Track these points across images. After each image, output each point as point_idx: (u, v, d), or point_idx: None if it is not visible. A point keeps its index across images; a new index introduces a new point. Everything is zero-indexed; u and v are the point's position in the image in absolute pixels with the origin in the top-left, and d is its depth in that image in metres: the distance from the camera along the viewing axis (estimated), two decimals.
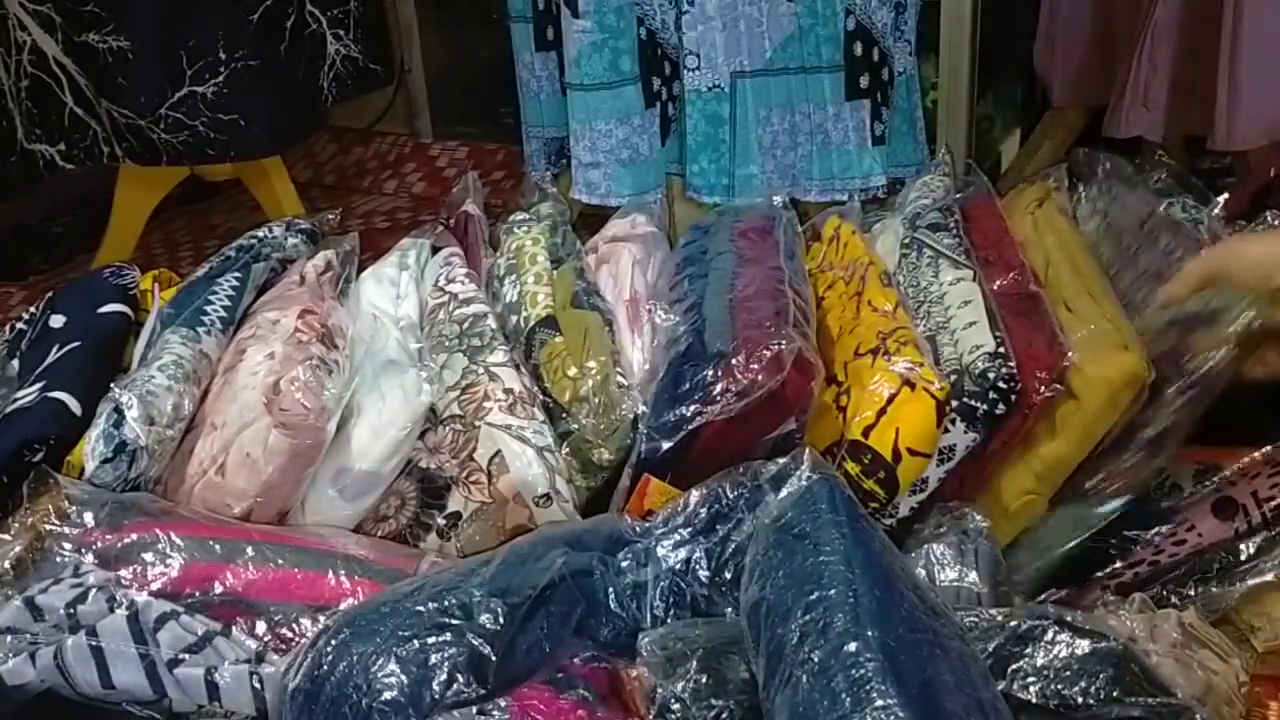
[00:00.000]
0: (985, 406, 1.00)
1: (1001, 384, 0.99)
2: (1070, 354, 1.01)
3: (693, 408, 1.00)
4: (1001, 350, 1.01)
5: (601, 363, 1.09)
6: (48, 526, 0.95)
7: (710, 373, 1.01)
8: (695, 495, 0.94)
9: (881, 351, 1.03)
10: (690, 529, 0.93)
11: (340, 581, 0.94)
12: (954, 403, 1.00)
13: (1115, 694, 0.80)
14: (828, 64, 1.55)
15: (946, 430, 1.01)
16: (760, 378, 0.99)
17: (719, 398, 1.00)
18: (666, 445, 1.01)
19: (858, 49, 1.53)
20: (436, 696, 0.78)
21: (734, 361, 1.00)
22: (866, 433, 1.00)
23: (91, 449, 0.99)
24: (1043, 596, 1.05)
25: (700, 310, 1.12)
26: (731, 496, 0.93)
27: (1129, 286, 1.13)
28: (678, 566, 0.91)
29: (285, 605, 0.92)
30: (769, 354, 0.99)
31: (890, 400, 0.99)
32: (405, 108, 2.29)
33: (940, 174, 1.36)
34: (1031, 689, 0.81)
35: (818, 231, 1.35)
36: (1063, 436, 1.01)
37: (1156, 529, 1.06)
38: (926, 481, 1.03)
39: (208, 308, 1.13)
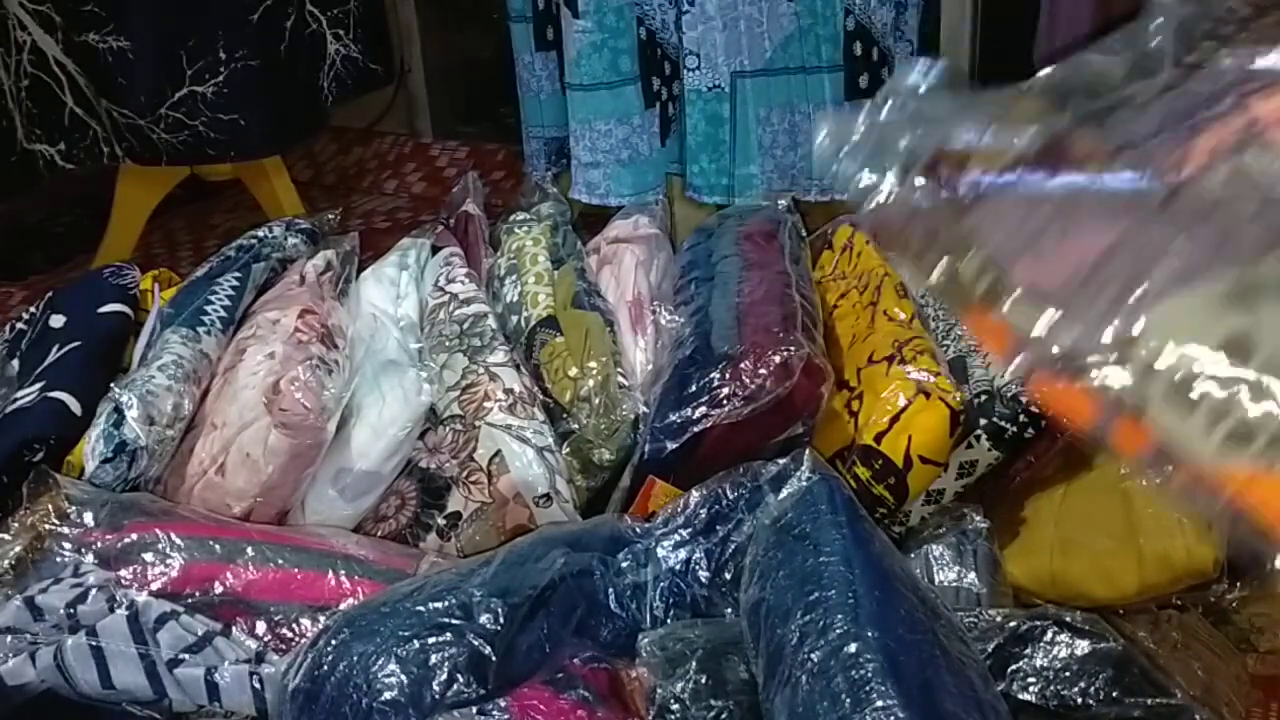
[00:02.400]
0: (1014, 429, 1.00)
1: (1034, 408, 0.99)
2: None
3: (699, 410, 1.00)
4: None
5: (602, 363, 1.09)
6: (48, 526, 0.95)
7: (717, 376, 1.01)
8: (695, 496, 0.94)
9: (897, 359, 1.03)
10: (690, 529, 0.92)
11: (340, 581, 0.94)
12: (982, 421, 1.01)
13: (1115, 694, 0.80)
14: (828, 64, 1.55)
15: (970, 446, 1.01)
16: (769, 383, 0.99)
17: (725, 401, 1.00)
18: (671, 446, 1.01)
19: (858, 49, 1.53)
20: (436, 696, 0.78)
21: (742, 366, 1.00)
22: (879, 439, 1.00)
23: (91, 449, 0.99)
24: None
25: (707, 313, 1.12)
26: (731, 497, 0.93)
27: None
28: (677, 567, 0.91)
29: (285, 605, 0.92)
30: (778, 360, 0.99)
31: (905, 408, 0.99)
32: (405, 108, 2.29)
33: None
34: (1031, 689, 0.81)
35: (829, 240, 1.35)
36: (1111, 587, 0.96)
37: None
38: (943, 494, 1.03)
39: (208, 307, 1.13)
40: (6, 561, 0.93)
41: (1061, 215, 0.55)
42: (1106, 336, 0.52)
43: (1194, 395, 0.50)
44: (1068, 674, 0.81)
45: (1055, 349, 0.54)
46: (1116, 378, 0.52)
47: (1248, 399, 0.49)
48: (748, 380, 0.99)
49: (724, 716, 0.78)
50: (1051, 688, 0.81)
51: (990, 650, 0.83)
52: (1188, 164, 0.52)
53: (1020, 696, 0.81)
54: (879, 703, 0.65)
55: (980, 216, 0.57)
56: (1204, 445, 0.50)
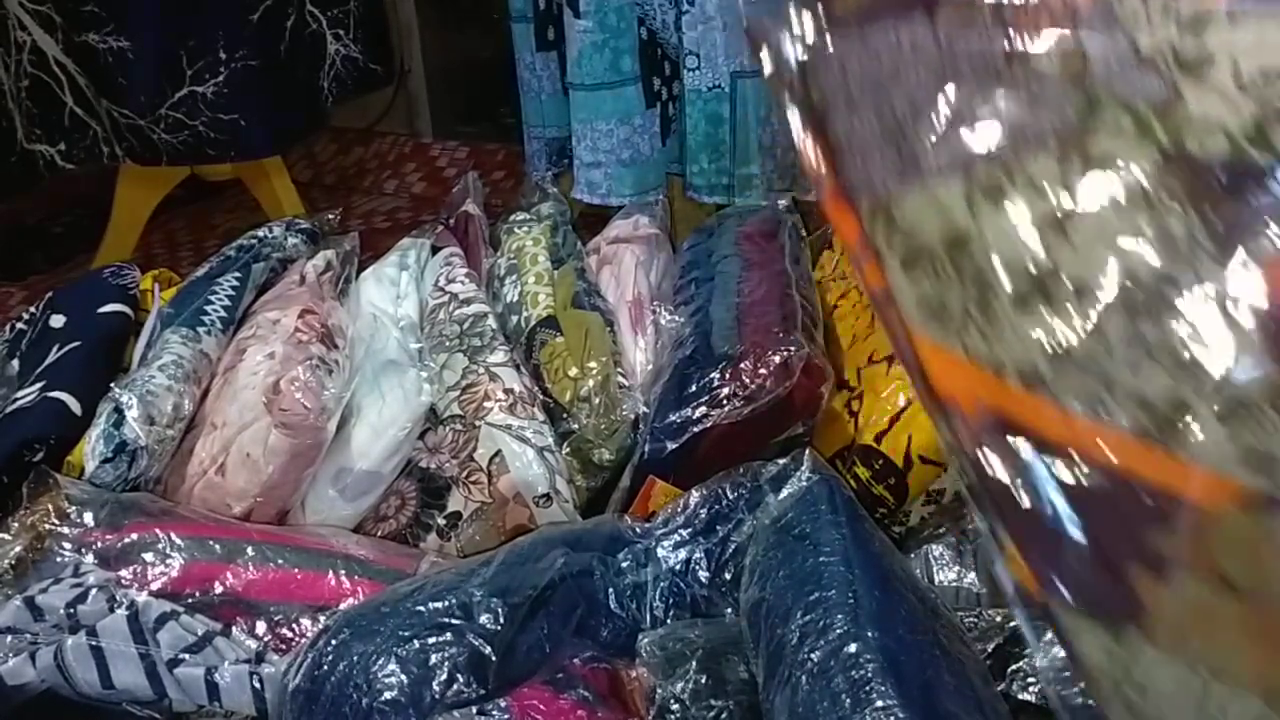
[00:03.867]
0: None
1: None
2: None
3: (699, 410, 1.00)
4: None
5: (602, 363, 1.09)
6: (48, 526, 0.95)
7: (717, 376, 1.01)
8: (695, 496, 0.94)
9: (897, 359, 1.03)
10: (690, 529, 0.92)
11: (340, 581, 0.94)
12: None
13: None
14: None
15: None
16: (769, 383, 0.99)
17: (725, 401, 1.00)
18: (671, 446, 1.01)
19: None
20: (436, 696, 0.78)
21: (742, 366, 1.00)
22: (879, 438, 1.00)
23: (91, 449, 0.99)
24: None
25: (707, 313, 1.12)
26: (731, 497, 0.93)
27: None
28: (678, 567, 0.91)
29: (285, 605, 0.92)
30: (778, 360, 0.99)
31: (905, 407, 0.99)
32: (405, 108, 2.29)
33: None
34: (1031, 690, 0.81)
35: (829, 240, 1.34)
36: None
37: None
38: (943, 494, 1.03)
39: (208, 307, 1.13)
40: (6, 561, 0.93)
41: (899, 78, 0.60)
42: (882, 188, 0.58)
43: (917, 266, 0.57)
44: (1068, 674, 0.81)
45: (850, 181, 0.60)
46: (872, 223, 0.59)
47: (949, 280, 0.55)
48: (748, 380, 0.99)
49: (724, 716, 0.78)
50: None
51: (990, 650, 0.83)
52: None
53: (1020, 696, 0.81)
54: (879, 703, 0.65)
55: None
56: (912, 310, 0.57)
